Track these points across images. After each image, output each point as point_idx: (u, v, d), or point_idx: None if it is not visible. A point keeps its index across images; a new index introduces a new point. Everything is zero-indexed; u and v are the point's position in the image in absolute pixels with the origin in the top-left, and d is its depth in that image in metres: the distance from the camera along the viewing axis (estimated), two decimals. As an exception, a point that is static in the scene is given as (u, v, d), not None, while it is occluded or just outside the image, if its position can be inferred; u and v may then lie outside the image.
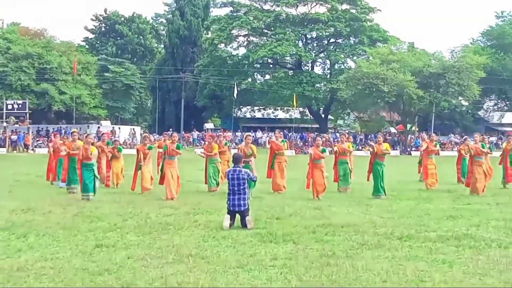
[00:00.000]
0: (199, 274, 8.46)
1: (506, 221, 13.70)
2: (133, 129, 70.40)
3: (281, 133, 26.23)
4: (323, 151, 19.18)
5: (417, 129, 75.80)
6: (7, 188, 21.04)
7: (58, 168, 21.65)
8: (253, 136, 71.59)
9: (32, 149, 58.12)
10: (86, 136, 18.92)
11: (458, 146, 41.43)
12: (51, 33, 78.87)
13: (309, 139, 66.33)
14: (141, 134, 68.88)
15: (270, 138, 30.91)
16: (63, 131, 56.42)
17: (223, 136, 27.51)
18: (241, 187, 12.60)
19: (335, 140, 58.63)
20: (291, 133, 74.53)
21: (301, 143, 68.46)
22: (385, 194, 18.67)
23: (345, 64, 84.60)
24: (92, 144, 18.40)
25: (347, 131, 78.77)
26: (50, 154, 23.24)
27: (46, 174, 23.14)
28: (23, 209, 15.08)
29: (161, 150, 20.79)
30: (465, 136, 30.99)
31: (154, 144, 21.94)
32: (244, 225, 12.35)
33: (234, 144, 63.48)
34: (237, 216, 12.51)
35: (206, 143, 22.28)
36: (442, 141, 68.64)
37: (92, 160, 17.95)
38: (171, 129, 72.55)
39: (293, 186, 20.51)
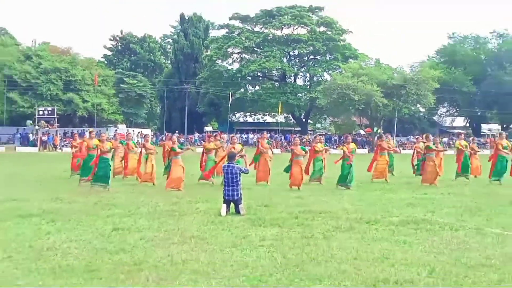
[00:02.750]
0: (200, 252, 8.45)
1: (457, 208, 13.75)
2: (142, 131, 70.30)
3: (268, 135, 26.27)
4: (302, 148, 19.29)
5: (382, 131, 75.87)
6: (39, 181, 20.97)
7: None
8: (245, 137, 71.95)
9: (60, 148, 58.03)
10: (100, 135, 18.86)
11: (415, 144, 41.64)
12: (76, 50, 78.55)
13: (292, 140, 66.47)
14: (151, 136, 68.82)
15: (259, 137, 30.95)
16: (86, 133, 56.19)
17: (220, 137, 27.52)
18: (234, 180, 12.61)
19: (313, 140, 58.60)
20: (277, 135, 74.47)
21: (286, 143, 68.47)
22: (350, 185, 18.61)
23: (322, 77, 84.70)
24: (104, 141, 18.33)
25: (323, 134, 78.97)
26: (75, 150, 22.92)
27: (74, 168, 22.84)
28: (52, 198, 15.04)
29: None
30: (417, 136, 31.13)
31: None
32: (237, 211, 12.36)
33: (229, 143, 63.42)
34: (232, 204, 12.52)
35: (206, 141, 22.18)
36: (402, 141, 68.94)
37: (108, 155, 17.90)
38: (177, 132, 72.81)
39: (278, 179, 20.48)
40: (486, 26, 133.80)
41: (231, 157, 13.31)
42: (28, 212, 12.51)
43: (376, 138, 70.63)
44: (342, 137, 70.22)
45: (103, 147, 17.78)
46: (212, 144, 20.88)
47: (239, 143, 21.25)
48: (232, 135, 27.70)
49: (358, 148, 21.97)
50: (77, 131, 61.84)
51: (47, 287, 6.63)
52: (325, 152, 21.24)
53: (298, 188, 18.18)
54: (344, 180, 18.74)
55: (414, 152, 24.66)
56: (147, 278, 6.99)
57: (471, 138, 28.63)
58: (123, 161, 22.04)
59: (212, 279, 6.94)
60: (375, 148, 24.12)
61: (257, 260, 8.05)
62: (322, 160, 20.58)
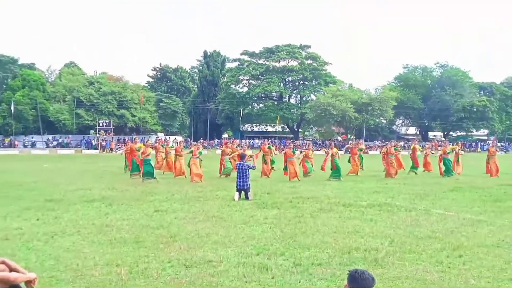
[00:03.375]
0: (219, 228, 8.47)
1: (410, 194, 13.73)
2: (176, 138, 70.55)
3: (269, 141, 26.11)
4: (293, 151, 19.43)
5: (354, 137, 75.87)
6: (100, 175, 21.04)
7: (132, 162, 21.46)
8: (252, 142, 71.64)
9: (115, 151, 58.15)
10: (146, 141, 19.02)
11: (380, 148, 41.56)
12: (126, 78, 78.93)
13: (288, 144, 66.32)
14: (181, 142, 68.99)
15: (261, 144, 30.97)
16: (134, 140, 56.41)
17: (233, 142, 27.48)
18: (244, 174, 12.65)
19: (304, 146, 58.52)
20: (276, 140, 74.47)
21: (282, 146, 68.43)
22: (341, 178, 18.63)
23: (309, 97, 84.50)
24: (148, 146, 18.47)
25: (310, 139, 78.83)
26: (126, 153, 22.88)
27: (128, 166, 22.70)
28: (109, 188, 15.10)
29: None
30: (386, 142, 31.00)
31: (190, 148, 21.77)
32: (246, 197, 12.37)
33: (240, 147, 63.34)
34: (242, 192, 12.54)
35: (223, 146, 22.21)
36: (369, 145, 68.71)
37: (149, 157, 17.95)
38: (201, 138, 72.83)
39: (276, 174, 20.49)
40: (431, 57, 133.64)
41: (242, 157, 13.38)
42: (91, 198, 12.57)
43: (349, 142, 70.77)
44: (325, 142, 70.26)
45: (145, 151, 17.89)
46: (228, 149, 20.87)
47: (248, 147, 21.34)
48: (243, 145, 27.54)
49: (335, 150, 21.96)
50: (128, 138, 62.45)
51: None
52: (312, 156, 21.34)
53: (298, 179, 18.17)
54: (336, 173, 18.82)
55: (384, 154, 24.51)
56: (179, 247, 7.02)
57: (426, 143, 28.56)
58: (164, 160, 21.99)
59: (228, 248, 6.96)
60: (349, 152, 23.89)
61: (261, 233, 8.06)
62: (309, 161, 20.68)
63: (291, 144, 20.64)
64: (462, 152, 22.54)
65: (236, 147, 23.31)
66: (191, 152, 18.37)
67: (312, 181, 18.41)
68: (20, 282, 4.24)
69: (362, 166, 23.82)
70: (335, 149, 19.76)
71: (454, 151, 21.94)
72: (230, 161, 20.06)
